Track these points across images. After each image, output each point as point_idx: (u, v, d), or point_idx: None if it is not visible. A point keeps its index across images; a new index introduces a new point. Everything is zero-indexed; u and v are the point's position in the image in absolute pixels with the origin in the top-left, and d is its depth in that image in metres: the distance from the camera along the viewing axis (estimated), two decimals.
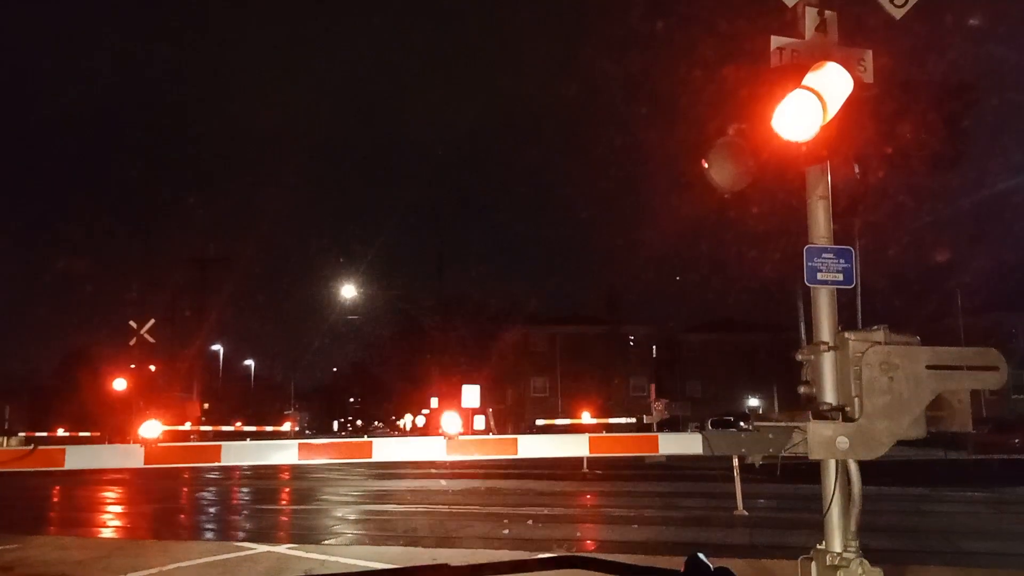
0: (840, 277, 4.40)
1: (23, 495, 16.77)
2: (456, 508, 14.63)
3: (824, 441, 4.01)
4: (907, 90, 4.25)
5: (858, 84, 4.47)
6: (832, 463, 4.21)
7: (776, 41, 4.53)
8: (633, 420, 26.83)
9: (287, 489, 20.69)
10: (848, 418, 4.07)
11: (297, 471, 23.04)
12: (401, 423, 65.23)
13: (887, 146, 4.24)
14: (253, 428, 33.95)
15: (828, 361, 4.28)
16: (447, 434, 4.26)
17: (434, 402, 39.01)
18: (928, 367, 4.03)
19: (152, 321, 29.19)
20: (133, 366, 30.17)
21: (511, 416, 49.71)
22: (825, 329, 4.37)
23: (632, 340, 55.81)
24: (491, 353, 45.98)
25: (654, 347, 56.41)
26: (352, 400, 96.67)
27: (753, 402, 52.68)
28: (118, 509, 17.01)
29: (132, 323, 29.02)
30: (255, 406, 59.82)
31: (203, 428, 31.73)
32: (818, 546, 4.28)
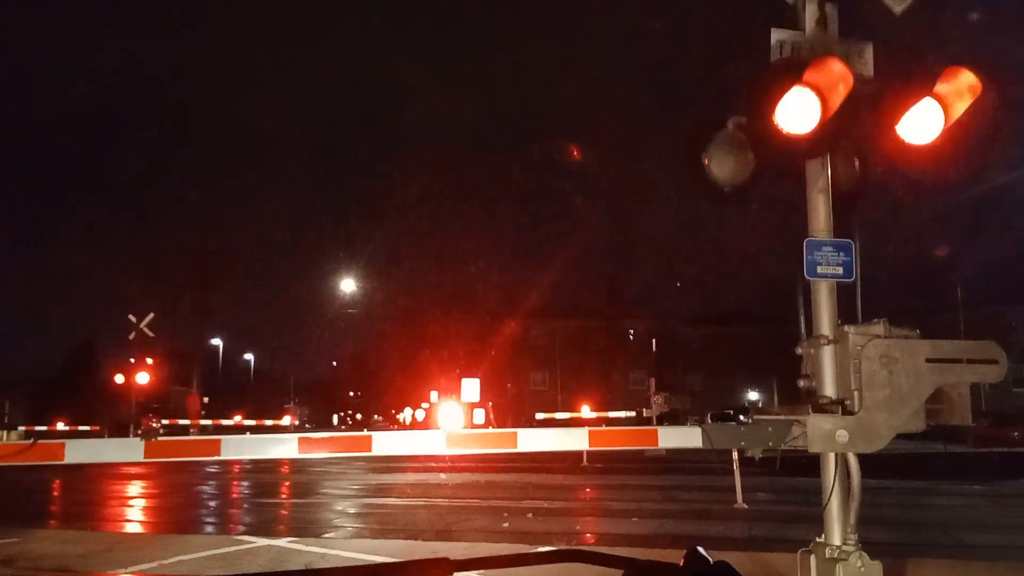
0: (840, 271, 4.40)
1: (24, 489, 16.79)
2: (456, 502, 14.67)
3: (824, 434, 4.01)
4: (907, 83, 4.24)
5: (858, 78, 4.47)
6: (832, 456, 4.22)
7: (776, 35, 4.52)
8: (633, 414, 26.86)
9: (287, 483, 20.72)
10: (848, 411, 4.07)
11: (297, 465, 23.07)
12: (401, 417, 65.31)
13: (887, 140, 4.23)
14: (253, 422, 34.02)
15: (828, 355, 4.28)
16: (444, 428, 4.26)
17: (434, 396, 39.04)
18: (928, 360, 4.03)
19: (151, 315, 29.20)
20: (132, 360, 30.17)
21: (511, 410, 49.76)
22: (825, 323, 4.37)
23: (632, 334, 55.85)
24: (491, 347, 46.02)
25: (654, 341, 56.41)
26: (352, 394, 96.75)
27: (753, 395, 52.73)
28: (119, 503, 17.03)
29: (131, 317, 29.02)
30: (255, 400, 59.93)
31: (203, 422, 31.74)
32: (817, 539, 4.29)
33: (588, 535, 11.42)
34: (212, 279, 43.02)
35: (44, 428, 27.68)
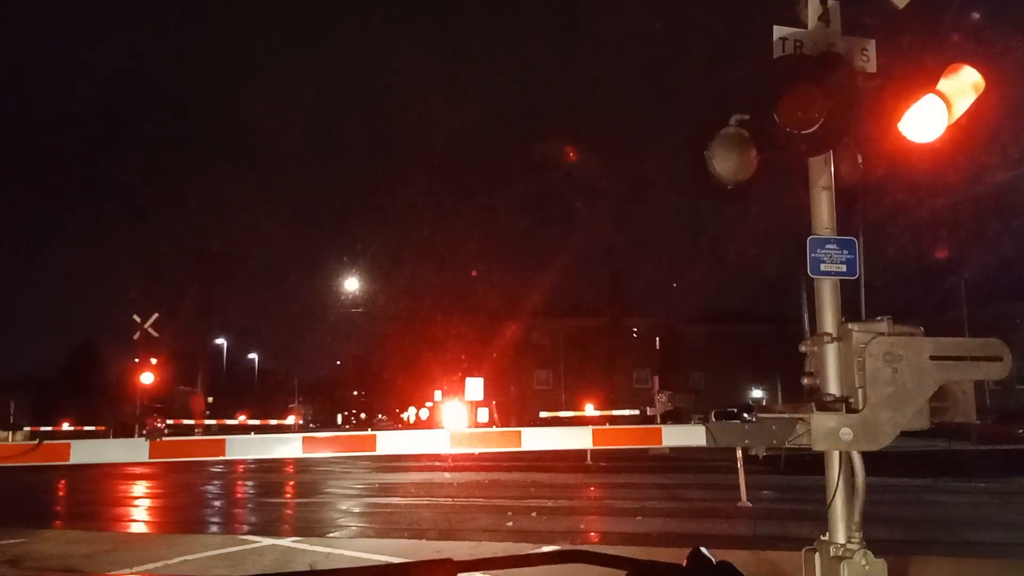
0: (843, 268, 4.39)
1: (29, 489, 16.84)
2: (460, 501, 14.67)
3: (827, 432, 4.00)
4: (910, 79, 4.23)
5: (861, 74, 4.46)
6: (836, 454, 4.21)
7: (779, 31, 4.52)
8: (636, 412, 26.81)
9: (292, 482, 20.75)
10: (852, 409, 4.06)
11: (301, 464, 23.11)
12: (405, 416, 65.34)
13: (890, 137, 4.23)
14: (257, 422, 34.07)
15: (832, 352, 4.28)
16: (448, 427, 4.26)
17: (438, 395, 39.05)
18: (932, 358, 4.02)
19: (156, 315, 29.28)
20: (137, 360, 30.24)
21: (514, 409, 49.78)
22: (828, 320, 4.36)
23: (635, 332, 55.81)
24: (494, 346, 46.03)
25: (657, 339, 56.38)
26: (356, 393, 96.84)
27: (757, 393, 52.68)
28: (124, 503, 17.08)
29: (136, 317, 29.09)
30: (259, 400, 60.02)
31: (207, 422, 31.80)
32: (822, 537, 4.28)
33: (592, 534, 11.43)
34: (216, 279, 43.13)
35: (49, 428, 27.73)
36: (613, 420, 26.03)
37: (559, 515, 12.95)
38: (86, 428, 28.68)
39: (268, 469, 22.87)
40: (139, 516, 15.04)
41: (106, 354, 55.78)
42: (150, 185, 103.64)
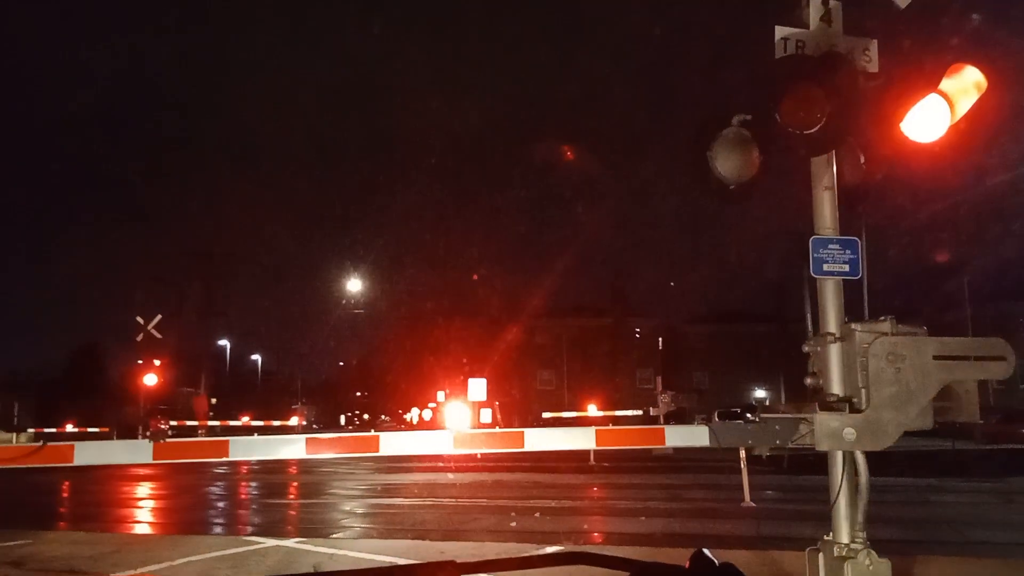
0: (846, 268, 4.38)
1: (34, 491, 16.87)
2: (463, 501, 14.68)
3: (831, 432, 4.00)
4: (912, 79, 4.23)
5: (863, 74, 4.45)
6: (839, 454, 4.21)
7: (780, 31, 4.51)
8: (640, 412, 26.82)
9: (295, 483, 20.77)
10: (855, 409, 4.06)
11: (305, 465, 23.13)
12: (408, 417, 65.36)
13: (892, 137, 4.22)
14: (261, 423, 34.10)
15: (835, 352, 4.27)
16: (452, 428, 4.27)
17: (441, 396, 39.06)
18: (935, 357, 4.02)
19: (159, 316, 29.32)
20: (140, 361, 30.28)
21: (517, 409, 49.79)
22: (831, 320, 4.36)
23: (638, 332, 55.78)
24: (497, 347, 46.03)
25: (660, 339, 56.35)
26: (359, 394, 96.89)
27: (760, 394, 52.59)
28: (128, 504, 17.10)
29: (139, 318, 29.13)
30: (262, 401, 60.06)
31: (211, 423, 31.83)
32: (825, 537, 4.28)
33: (595, 534, 11.43)
34: (218, 280, 43.14)
35: (53, 430, 27.78)
36: (616, 420, 26.02)
37: (562, 515, 12.96)
38: (90, 430, 28.74)
39: (271, 470, 22.90)
40: (143, 517, 15.06)
41: (109, 355, 55.98)
42: (152, 186, 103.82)
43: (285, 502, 17.09)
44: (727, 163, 4.32)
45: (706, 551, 1.45)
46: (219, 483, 20.82)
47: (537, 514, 12.66)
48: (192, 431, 26.80)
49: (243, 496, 18.80)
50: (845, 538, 4.17)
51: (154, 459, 4.12)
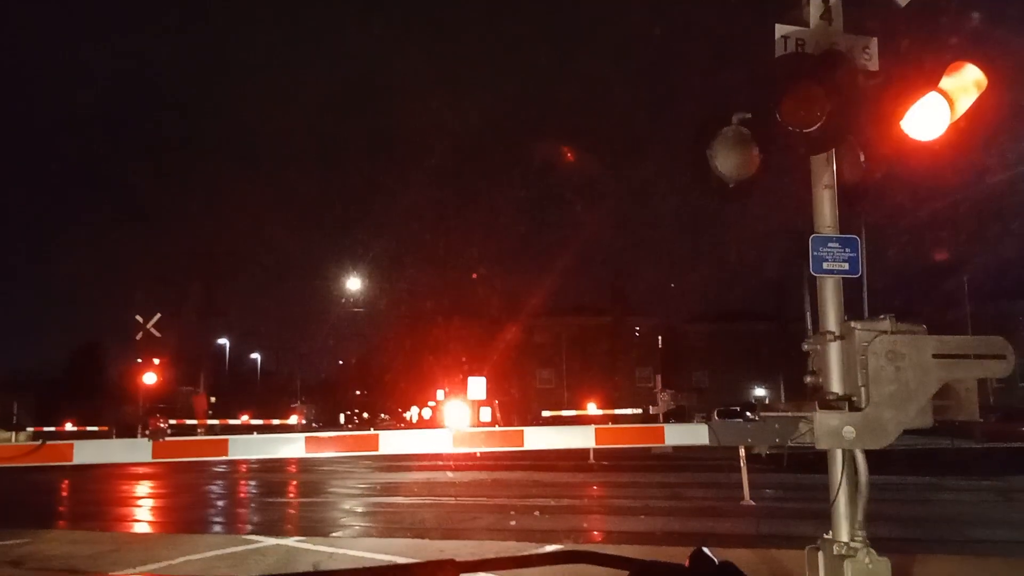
0: (846, 266, 4.38)
1: (33, 490, 16.87)
2: (463, 500, 14.68)
3: (830, 431, 4.00)
4: (912, 77, 4.22)
5: (863, 72, 4.45)
6: (839, 453, 4.21)
7: (780, 30, 4.51)
8: (639, 411, 26.87)
9: (294, 482, 20.77)
10: (854, 407, 4.06)
11: (304, 464, 23.13)
12: (407, 415, 65.39)
13: (892, 135, 4.22)
14: (260, 421, 34.11)
15: (834, 351, 4.27)
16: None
17: (440, 394, 39.09)
18: (935, 356, 4.02)
19: (158, 315, 29.28)
20: (139, 360, 30.27)
21: (517, 408, 49.81)
22: (831, 318, 4.36)
23: (637, 331, 55.83)
24: (497, 345, 46.06)
25: (660, 338, 56.38)
26: (358, 393, 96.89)
27: (759, 392, 52.63)
28: (127, 503, 17.10)
29: (138, 317, 29.11)
30: (262, 399, 60.04)
31: (210, 422, 31.83)
32: (825, 536, 4.28)
33: (595, 533, 11.43)
34: (218, 279, 43.20)
35: (52, 429, 27.79)
36: (615, 419, 26.06)
37: (562, 514, 12.96)
38: (89, 428, 28.74)
39: (271, 469, 22.90)
40: (142, 516, 15.06)
41: (109, 355, 56.01)
42: (152, 186, 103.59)
43: (284, 501, 17.09)
44: (727, 161, 4.32)
45: (706, 549, 1.45)
46: (218, 482, 20.82)
47: (537, 513, 12.66)
48: (191, 430, 26.79)
49: (242, 495, 18.80)
50: (845, 536, 4.17)
51: (153, 458, 4.12)
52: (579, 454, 21.26)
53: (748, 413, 4.37)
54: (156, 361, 30.02)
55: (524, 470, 20.09)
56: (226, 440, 4.24)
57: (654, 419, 25.13)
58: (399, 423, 70.85)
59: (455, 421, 21.42)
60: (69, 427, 28.93)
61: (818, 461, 4.50)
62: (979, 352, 4.06)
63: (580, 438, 4.46)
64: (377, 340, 70.72)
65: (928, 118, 4.08)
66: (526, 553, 1.48)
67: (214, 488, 19.70)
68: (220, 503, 17.29)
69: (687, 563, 1.44)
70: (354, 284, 38.64)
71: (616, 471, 20.65)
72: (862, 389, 4.05)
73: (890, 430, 4.00)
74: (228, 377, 63.09)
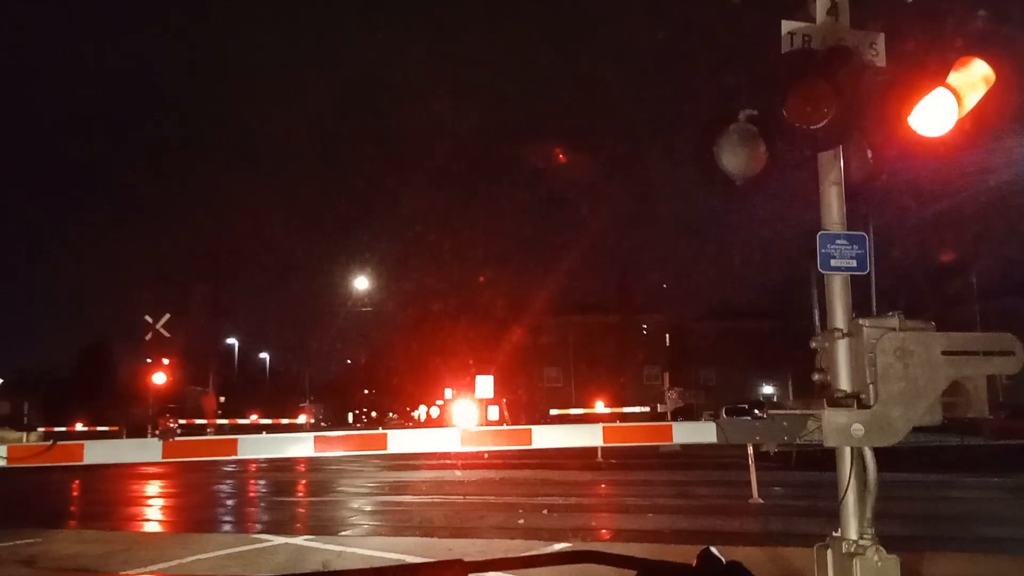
0: (854, 263, 4.37)
1: (44, 490, 16.97)
2: (471, 499, 14.69)
3: (839, 428, 3.99)
4: (919, 73, 4.20)
5: (870, 68, 4.43)
6: (847, 450, 4.20)
7: (787, 26, 4.49)
8: (647, 409, 26.83)
9: (304, 481, 20.83)
10: (863, 405, 4.05)
11: (313, 463, 23.19)
12: (415, 414, 65.44)
13: (899, 131, 4.20)
14: (269, 421, 34.19)
15: (842, 348, 4.26)
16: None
17: (448, 393, 39.14)
18: (943, 353, 4.00)
19: (167, 316, 29.39)
20: (149, 360, 30.39)
21: (525, 407, 49.80)
22: (839, 316, 4.35)
23: (645, 329, 55.76)
24: (504, 344, 46.08)
25: (667, 335, 56.32)
26: (366, 392, 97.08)
27: (767, 390, 52.52)
28: (137, 503, 17.18)
29: (148, 318, 29.23)
30: (270, 399, 60.20)
31: (219, 421, 31.93)
32: (834, 533, 4.27)
33: (603, 531, 11.42)
34: (226, 279, 43.33)
35: (63, 429, 27.93)
36: (623, 417, 26.03)
37: (570, 512, 12.96)
38: (99, 428, 28.86)
39: (280, 468, 22.96)
40: (152, 516, 15.13)
41: (118, 355, 56.16)
42: (158, 186, 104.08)
43: (294, 500, 17.14)
44: (733, 158, 4.31)
45: (713, 549, 1.45)
46: (228, 481, 20.89)
47: (545, 511, 12.66)
48: (201, 430, 26.88)
49: (252, 494, 18.86)
50: (854, 534, 4.16)
51: (163, 458, 4.14)
52: (587, 452, 21.25)
53: (756, 411, 4.36)
54: (166, 361, 30.15)
55: (532, 469, 20.10)
56: (235, 440, 4.26)
57: (662, 417, 25.10)
58: (407, 422, 70.92)
59: (463, 420, 21.39)
60: (79, 427, 29.04)
61: (826, 459, 4.49)
62: (988, 349, 4.05)
63: (588, 437, 4.46)
64: (385, 340, 70.87)
65: (936, 114, 4.06)
66: (533, 553, 1.49)
67: (224, 487, 19.77)
68: (230, 502, 17.35)
69: (695, 563, 1.45)
70: (362, 284, 38.70)
71: (624, 469, 20.64)
72: (870, 386, 4.04)
73: (899, 427, 3.99)
74: (237, 377, 63.30)
